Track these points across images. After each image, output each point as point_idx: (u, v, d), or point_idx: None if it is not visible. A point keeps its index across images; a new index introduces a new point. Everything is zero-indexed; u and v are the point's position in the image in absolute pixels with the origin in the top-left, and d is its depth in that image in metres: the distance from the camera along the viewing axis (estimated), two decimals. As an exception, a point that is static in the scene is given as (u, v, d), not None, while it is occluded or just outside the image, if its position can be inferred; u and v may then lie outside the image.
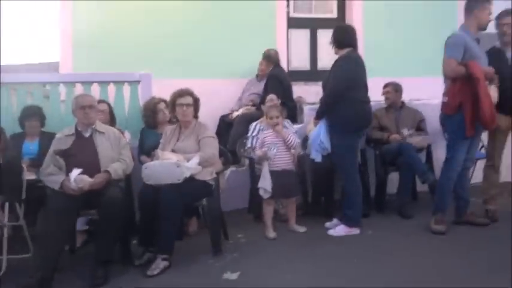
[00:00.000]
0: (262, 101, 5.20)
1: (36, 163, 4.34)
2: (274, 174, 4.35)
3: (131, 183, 4.24)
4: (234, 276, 3.59)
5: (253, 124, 5.03)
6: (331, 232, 4.40)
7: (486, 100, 4.01)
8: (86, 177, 3.71)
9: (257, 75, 6.22)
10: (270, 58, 5.95)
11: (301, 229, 4.52)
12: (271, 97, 5.02)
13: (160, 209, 3.72)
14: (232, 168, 5.23)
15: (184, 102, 4.12)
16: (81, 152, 3.90)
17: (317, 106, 5.47)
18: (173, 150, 4.06)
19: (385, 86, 5.41)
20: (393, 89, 5.36)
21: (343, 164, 4.44)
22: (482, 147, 5.20)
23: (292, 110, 5.61)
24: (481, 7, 4.23)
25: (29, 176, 4.17)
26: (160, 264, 3.68)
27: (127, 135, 5.01)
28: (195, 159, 3.91)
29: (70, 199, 3.67)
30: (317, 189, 4.99)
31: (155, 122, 4.79)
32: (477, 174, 5.03)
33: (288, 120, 5.12)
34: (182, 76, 5.91)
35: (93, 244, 3.83)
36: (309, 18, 6.81)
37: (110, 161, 3.92)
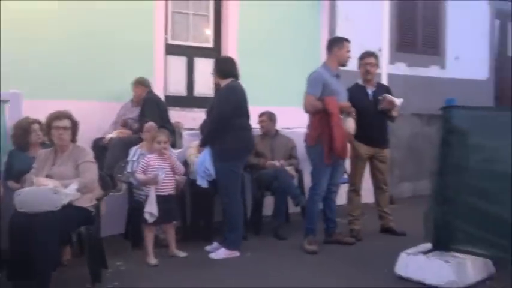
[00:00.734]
0: (141, 127, 5.12)
1: None
2: (158, 199, 4.30)
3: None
4: (115, 307, 3.47)
5: (134, 149, 4.94)
6: (212, 256, 4.46)
7: (338, 132, 4.43)
8: None
9: (132, 100, 6.11)
10: (144, 83, 5.90)
11: (182, 254, 4.51)
12: (151, 124, 4.97)
13: (36, 238, 3.46)
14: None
15: (61, 125, 3.92)
16: None
17: (196, 132, 5.60)
18: (48, 176, 3.84)
19: (261, 115, 5.68)
20: (268, 118, 5.65)
21: (227, 189, 4.55)
22: (345, 173, 5.66)
23: (171, 135, 5.58)
24: (340, 46, 4.68)
25: None
26: (34, 297, 3.41)
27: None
28: (74, 185, 3.73)
29: None
30: (197, 213, 5.03)
31: (26, 143, 4.48)
32: (341, 197, 5.46)
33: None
34: (55, 97, 5.56)
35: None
36: (187, 46, 6.89)
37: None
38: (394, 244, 4.57)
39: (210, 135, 4.59)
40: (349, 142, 4.85)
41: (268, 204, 5.45)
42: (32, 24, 5.73)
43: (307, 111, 4.60)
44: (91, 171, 3.94)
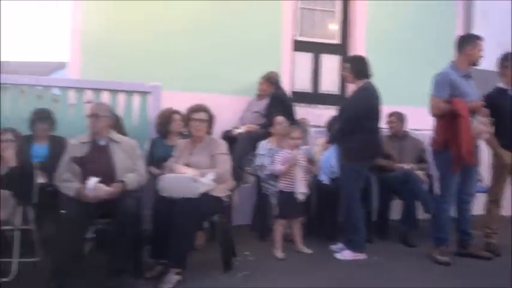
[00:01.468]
0: (270, 122, 5.28)
1: (46, 167, 4.32)
2: (287, 194, 4.42)
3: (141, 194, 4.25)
4: (247, 294, 3.63)
5: (262, 142, 5.10)
6: (338, 256, 4.49)
7: (466, 137, 4.16)
8: (102, 186, 3.72)
9: (257, 95, 6.30)
10: (271, 79, 6.05)
11: (308, 250, 4.61)
12: (281, 118, 5.10)
13: (175, 222, 3.74)
14: (236, 185, 5.28)
15: (198, 118, 4.18)
16: (97, 161, 3.92)
17: (322, 129, 5.65)
18: (186, 164, 4.10)
19: (390, 115, 5.57)
20: (398, 118, 5.53)
21: (348, 189, 4.55)
22: (479, 181, 5.37)
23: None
24: (473, 44, 4.40)
25: (39, 179, 4.14)
26: (172, 278, 3.68)
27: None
28: (210, 175, 3.96)
29: (84, 207, 3.68)
30: (321, 210, 5.08)
31: (167, 131, 4.84)
32: (476, 207, 5.18)
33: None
34: (189, 89, 5.96)
35: (106, 253, 3.80)
36: (313, 43, 6.96)
37: (124, 171, 3.94)
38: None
39: (338, 134, 4.61)
40: (491, 148, 4.60)
41: (395, 207, 5.33)
42: (171, 22, 6.18)
43: (433, 114, 4.40)
44: (225, 163, 4.16)
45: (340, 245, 4.62)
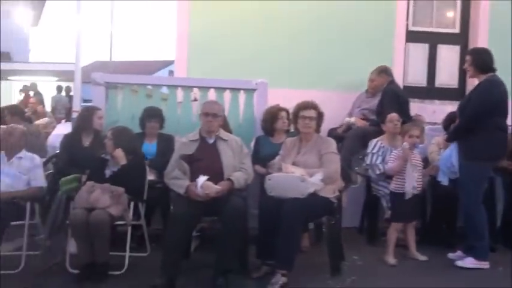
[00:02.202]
0: (382, 119, 5.13)
1: (155, 164, 4.56)
2: (400, 196, 4.29)
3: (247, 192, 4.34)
4: (356, 300, 3.58)
5: (374, 141, 4.97)
6: (459, 263, 4.26)
7: None
8: (212, 185, 3.84)
9: (366, 91, 6.15)
10: (387, 72, 5.86)
11: (423, 257, 4.43)
12: (395, 116, 4.93)
13: (282, 223, 3.76)
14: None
15: (307, 115, 4.16)
16: (206, 158, 4.05)
17: (438, 127, 5.40)
18: (294, 163, 4.10)
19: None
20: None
21: (469, 191, 4.31)
22: None
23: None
24: None
25: (149, 176, 4.39)
26: (279, 279, 3.71)
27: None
28: (319, 175, 3.93)
29: (193, 205, 3.83)
30: (438, 215, 4.86)
31: (273, 129, 4.89)
32: None
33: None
34: (294, 86, 5.99)
35: (211, 251, 3.93)
36: (429, 32, 6.66)
37: (232, 170, 4.04)
38: None
39: (459, 131, 4.38)
40: None
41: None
42: (275, 19, 6.24)
43: None
44: (334, 163, 4.11)
45: (458, 253, 4.39)
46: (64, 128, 5.96)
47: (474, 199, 4.28)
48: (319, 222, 4.45)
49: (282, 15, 6.29)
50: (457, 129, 4.42)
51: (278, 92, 5.45)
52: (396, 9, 6.43)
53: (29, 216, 4.05)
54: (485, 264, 4.22)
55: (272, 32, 6.26)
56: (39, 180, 4.26)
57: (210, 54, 6.13)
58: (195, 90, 5.41)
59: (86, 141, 4.85)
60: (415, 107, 6.13)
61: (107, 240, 3.83)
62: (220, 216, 3.84)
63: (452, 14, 6.73)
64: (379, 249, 4.54)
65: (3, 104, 10.55)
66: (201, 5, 6.20)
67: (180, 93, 5.40)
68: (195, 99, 5.51)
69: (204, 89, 5.34)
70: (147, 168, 4.34)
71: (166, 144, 4.88)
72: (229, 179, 3.97)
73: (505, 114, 4.28)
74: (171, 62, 22.47)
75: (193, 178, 3.91)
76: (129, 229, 4.05)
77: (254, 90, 5.36)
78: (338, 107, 6.17)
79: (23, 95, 12.39)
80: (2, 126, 4.42)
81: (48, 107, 11.74)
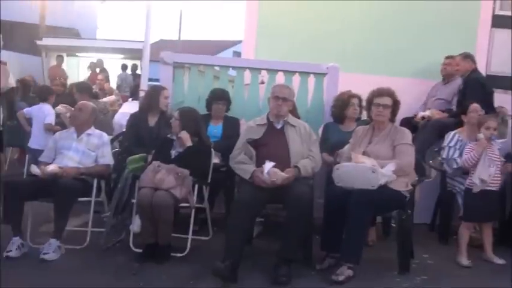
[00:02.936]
0: (463, 109, 4.92)
1: (219, 147, 4.62)
2: (482, 193, 4.14)
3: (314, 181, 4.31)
4: (426, 302, 3.51)
5: (451, 133, 4.80)
6: (541, 270, 4.07)
7: None
8: (278, 171, 3.84)
9: (443, 79, 5.92)
10: (471, 58, 5.61)
11: (500, 261, 4.25)
12: (476, 107, 4.73)
13: (350, 215, 3.72)
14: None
15: (382, 103, 4.06)
16: (272, 144, 4.06)
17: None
18: (365, 153, 4.03)
19: None
20: None
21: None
22: None
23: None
24: None
25: (214, 159, 4.45)
26: (345, 271, 3.68)
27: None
28: (391, 167, 3.84)
29: (258, 191, 3.84)
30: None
31: (343, 116, 4.82)
32: None
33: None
34: (367, 71, 5.85)
35: (274, 239, 3.95)
36: (520, 17, 6.31)
37: (299, 156, 4.03)
38: None
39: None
40: None
41: None
42: (346, 2, 6.11)
43: None
44: (408, 154, 3.99)
45: (542, 258, 4.19)
46: (130, 107, 6.13)
47: None
48: (388, 216, 4.38)
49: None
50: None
51: (350, 77, 5.34)
52: (483, -7, 6.14)
53: (95, 193, 4.22)
54: None
55: (345, 15, 6.13)
56: (107, 157, 4.41)
57: (279, 36, 6.08)
58: (263, 72, 5.41)
59: (152, 121, 4.96)
60: (498, 98, 5.85)
61: (170, 222, 3.92)
62: (285, 204, 3.85)
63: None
64: (452, 249, 4.42)
65: (71, 80, 11.06)
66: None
67: (247, 75, 5.41)
68: (262, 82, 5.51)
69: (273, 72, 5.32)
70: (212, 151, 4.39)
71: (232, 127, 4.94)
72: (296, 166, 3.96)
73: None
74: (235, 43, 22.57)
75: (259, 163, 3.93)
76: (193, 212, 4.12)
77: (324, 74, 5.28)
78: (414, 96, 6.01)
79: (90, 72, 12.83)
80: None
81: (113, 84, 12.08)
